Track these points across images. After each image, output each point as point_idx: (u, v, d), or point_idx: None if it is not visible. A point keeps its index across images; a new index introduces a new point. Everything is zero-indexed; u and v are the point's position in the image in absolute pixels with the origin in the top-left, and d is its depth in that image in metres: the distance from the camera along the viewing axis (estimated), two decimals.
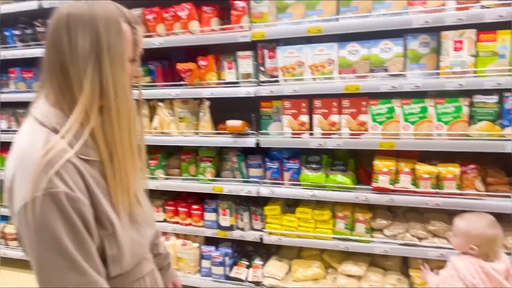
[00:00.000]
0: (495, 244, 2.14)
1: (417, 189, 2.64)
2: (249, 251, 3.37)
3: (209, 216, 3.22)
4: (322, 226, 2.94)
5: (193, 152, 3.31)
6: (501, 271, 2.12)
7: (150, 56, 2.65)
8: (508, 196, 2.49)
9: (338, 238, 2.90)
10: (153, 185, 3.20)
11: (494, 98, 2.40)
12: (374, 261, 3.02)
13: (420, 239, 2.72)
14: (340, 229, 2.90)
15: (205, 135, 3.12)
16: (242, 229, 3.18)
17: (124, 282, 1.23)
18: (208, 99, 3.06)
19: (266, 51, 2.88)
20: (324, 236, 2.92)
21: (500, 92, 2.39)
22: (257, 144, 2.96)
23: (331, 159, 3.04)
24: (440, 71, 2.49)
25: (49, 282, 1.04)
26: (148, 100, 3.26)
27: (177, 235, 3.41)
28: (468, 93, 2.47)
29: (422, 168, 2.61)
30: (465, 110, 2.46)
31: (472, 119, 2.47)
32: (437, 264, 2.76)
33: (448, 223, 2.70)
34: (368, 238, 2.83)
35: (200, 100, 3.15)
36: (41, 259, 1.03)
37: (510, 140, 2.40)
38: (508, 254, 2.26)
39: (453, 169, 2.55)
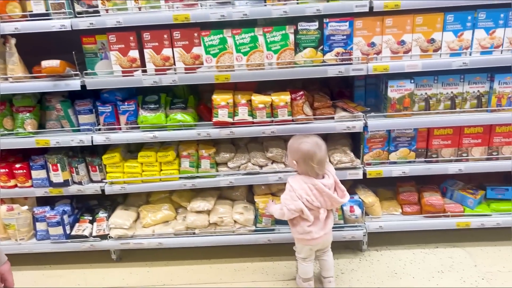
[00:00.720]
0: (311, 159, 2.30)
1: (254, 120, 2.70)
2: (92, 206, 3.11)
3: (37, 174, 2.82)
4: (168, 167, 2.84)
5: (6, 102, 2.79)
6: (330, 185, 2.37)
7: None
8: (332, 118, 2.73)
9: (185, 177, 2.85)
10: None
11: (315, 25, 2.51)
12: (223, 194, 3.08)
13: (261, 167, 2.84)
14: (186, 168, 2.84)
15: (16, 80, 2.62)
16: (79, 183, 2.88)
17: None
18: (13, 36, 2.54)
19: None
20: (170, 177, 2.84)
21: (320, 18, 2.50)
22: (83, 86, 2.62)
23: (171, 97, 2.90)
24: None
25: None
26: None
27: (2, 200, 2.93)
28: (292, 21, 2.54)
29: (257, 99, 2.66)
30: (291, 38, 2.53)
31: (298, 46, 2.56)
32: (277, 188, 2.96)
33: (284, 149, 2.86)
34: (214, 172, 2.84)
35: (3, 38, 2.60)
36: None
37: (331, 65, 2.58)
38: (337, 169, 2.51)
39: (284, 97, 2.66)
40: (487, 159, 2.76)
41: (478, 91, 2.64)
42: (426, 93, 2.66)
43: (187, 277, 2.83)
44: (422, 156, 2.80)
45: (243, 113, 2.69)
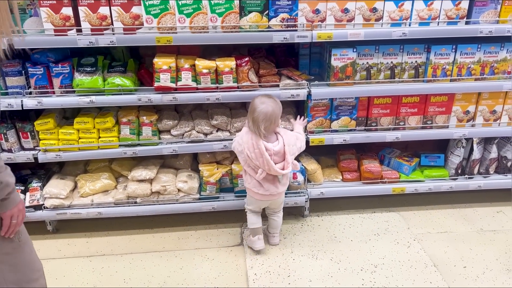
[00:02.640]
0: (257, 118, 2.31)
1: (198, 86, 2.63)
2: (25, 175, 2.92)
3: None
4: (106, 134, 2.72)
5: None
6: (275, 151, 2.38)
7: None
8: (277, 85, 2.72)
9: (125, 145, 2.74)
10: None
11: None
12: (166, 162, 3.01)
13: (205, 134, 2.79)
14: (126, 135, 2.73)
15: None
16: (9, 151, 2.68)
17: None
18: None
19: None
20: (110, 145, 2.71)
21: None
22: (9, 45, 2.39)
23: (109, 60, 2.74)
24: None
25: None
26: None
27: None
28: None
29: (202, 64, 2.59)
30: (236, 1, 2.46)
31: (243, 10, 2.50)
32: (223, 156, 2.94)
33: (229, 117, 2.83)
34: (156, 140, 2.76)
35: None
36: None
37: (276, 31, 2.55)
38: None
39: (229, 63, 2.60)
40: (422, 128, 2.91)
41: (416, 61, 2.74)
42: (367, 63, 2.72)
43: (128, 247, 2.76)
44: (362, 125, 2.89)
45: (186, 78, 2.61)
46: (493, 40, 2.72)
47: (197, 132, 2.77)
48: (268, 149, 2.37)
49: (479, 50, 2.72)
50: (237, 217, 2.98)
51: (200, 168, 2.86)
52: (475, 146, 2.95)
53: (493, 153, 3.02)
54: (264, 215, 2.70)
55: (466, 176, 3.06)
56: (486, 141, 3.04)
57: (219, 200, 2.87)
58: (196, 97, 2.63)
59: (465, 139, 2.95)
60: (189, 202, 2.84)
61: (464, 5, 2.58)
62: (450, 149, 3.06)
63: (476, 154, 2.99)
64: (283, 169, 2.40)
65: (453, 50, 2.70)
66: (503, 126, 2.94)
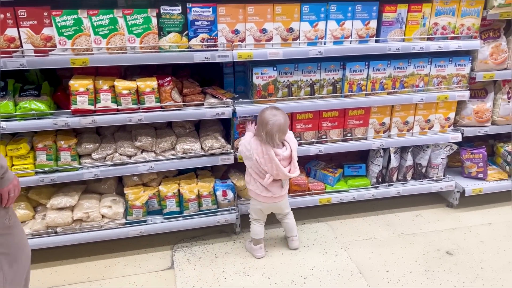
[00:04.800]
0: (264, 129, 2.45)
1: (119, 107, 2.56)
2: None
3: None
4: (21, 162, 2.55)
5: None
6: (284, 157, 2.50)
7: None
8: (202, 104, 2.72)
9: (42, 171, 2.59)
10: None
11: (178, 9, 2.46)
12: (89, 187, 2.88)
13: (129, 156, 2.72)
14: (43, 162, 2.58)
15: None
16: None
17: None
18: None
19: None
20: (25, 172, 2.55)
21: (183, 2, 2.46)
22: None
23: (21, 83, 2.59)
24: None
25: None
26: None
27: None
28: (155, 4, 2.45)
29: (121, 85, 2.53)
30: (154, 21, 2.45)
31: (162, 30, 2.49)
32: (149, 177, 2.87)
33: (154, 137, 2.78)
34: (76, 165, 2.63)
35: None
36: None
37: (197, 51, 2.56)
38: None
39: (151, 83, 2.57)
40: (343, 140, 3.05)
41: (333, 78, 2.88)
42: (288, 80, 2.81)
43: (50, 280, 2.59)
44: None
45: (105, 100, 2.53)
46: (401, 57, 2.94)
47: (120, 154, 2.69)
48: (278, 155, 2.49)
49: (389, 66, 2.92)
50: (167, 239, 2.92)
51: (125, 192, 2.77)
52: (392, 155, 3.15)
53: (409, 160, 3.24)
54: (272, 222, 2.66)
55: (386, 183, 3.25)
56: (402, 150, 3.25)
57: (146, 224, 2.79)
58: (117, 119, 2.56)
59: (382, 149, 3.14)
60: (115, 228, 2.73)
61: (373, 24, 2.77)
62: (370, 159, 3.23)
63: (394, 163, 3.19)
64: (289, 172, 2.53)
65: (366, 67, 2.87)
66: (416, 136, 3.17)
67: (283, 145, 2.57)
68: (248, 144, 2.57)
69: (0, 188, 1.74)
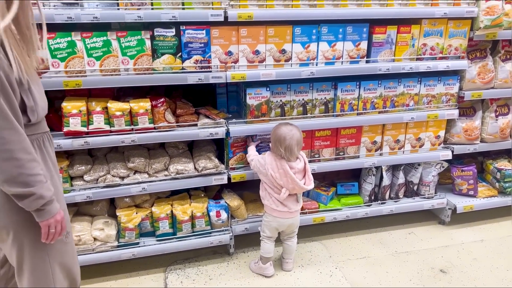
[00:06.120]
0: (280, 144, 2.51)
1: (112, 128, 2.55)
2: None
3: None
4: None
5: None
6: (298, 169, 2.54)
7: None
8: (195, 125, 2.73)
9: None
10: None
11: (172, 31, 2.48)
12: (80, 210, 2.83)
13: (122, 178, 2.69)
14: None
15: None
16: None
17: (34, 131, 1.62)
18: None
19: None
20: None
21: (177, 25, 2.49)
22: None
23: None
24: (119, 1, 2.36)
25: None
26: None
27: None
28: (149, 27, 2.47)
29: (114, 106, 2.52)
30: (148, 43, 2.46)
31: (156, 52, 2.50)
32: (142, 199, 2.84)
33: (147, 158, 2.77)
34: (68, 187, 2.60)
35: None
36: None
37: (191, 72, 2.58)
38: None
39: (144, 104, 2.56)
40: (336, 159, 3.07)
41: (325, 98, 2.91)
42: (281, 100, 2.83)
43: None
44: None
45: (98, 122, 2.52)
46: (392, 77, 2.99)
47: (113, 176, 2.66)
48: (293, 168, 2.53)
49: (380, 86, 2.97)
50: (160, 261, 2.88)
51: (117, 214, 2.73)
52: (384, 173, 3.17)
53: (401, 178, 3.27)
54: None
55: (379, 201, 3.27)
56: (394, 168, 3.28)
57: (139, 246, 2.75)
58: (110, 140, 2.54)
59: (375, 167, 3.17)
60: (107, 251, 2.68)
61: (364, 45, 2.82)
62: (362, 177, 3.25)
63: (386, 181, 3.21)
64: (305, 185, 2.56)
65: (357, 87, 2.91)
66: (407, 154, 3.20)
67: (297, 157, 2.60)
68: (262, 159, 2.63)
69: (40, 220, 1.61)
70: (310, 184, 2.59)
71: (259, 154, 2.79)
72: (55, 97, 2.78)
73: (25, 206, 1.55)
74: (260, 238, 2.77)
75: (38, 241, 1.66)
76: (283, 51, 2.68)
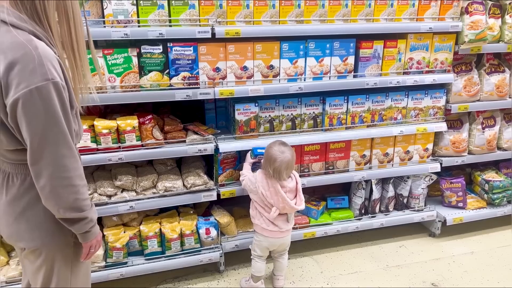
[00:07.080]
0: (270, 165, 2.48)
1: (98, 146, 2.51)
2: None
3: None
4: None
5: None
6: (289, 188, 2.52)
7: None
8: (184, 141, 2.70)
9: None
10: None
11: (159, 48, 2.47)
12: None
13: (109, 196, 2.65)
14: None
15: None
16: None
17: None
18: None
19: None
20: None
21: (164, 42, 2.48)
22: None
23: None
24: (105, 19, 2.35)
25: (50, 153, 1.40)
26: None
27: None
28: (136, 44, 2.46)
29: (101, 124, 2.49)
30: (135, 60, 2.45)
31: (143, 69, 2.49)
32: (130, 217, 2.79)
33: (135, 175, 2.73)
34: None
35: None
36: (45, 134, 1.38)
37: (179, 89, 2.56)
38: None
39: (131, 122, 2.53)
40: (325, 173, 3.06)
41: (314, 112, 2.91)
42: (269, 115, 2.83)
43: None
44: None
45: (85, 140, 2.48)
46: (379, 91, 3.01)
47: (100, 194, 2.62)
48: (284, 186, 2.50)
49: (368, 100, 2.98)
50: (148, 280, 2.82)
51: (104, 233, 2.68)
52: (374, 186, 3.17)
53: (390, 191, 3.27)
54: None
55: (369, 215, 3.26)
56: (384, 181, 3.28)
57: (127, 266, 2.70)
58: (96, 159, 2.50)
59: (364, 181, 3.17)
60: (94, 271, 2.62)
61: (351, 60, 2.84)
62: (352, 191, 3.25)
63: (376, 194, 3.21)
64: (296, 205, 2.54)
65: (345, 101, 2.93)
66: (396, 167, 3.21)
67: (289, 176, 2.58)
68: (253, 177, 2.60)
69: (84, 241, 1.63)
70: (301, 205, 2.57)
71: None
72: None
73: (75, 229, 1.57)
74: (251, 257, 2.74)
75: (66, 262, 1.66)
76: (271, 67, 2.69)
